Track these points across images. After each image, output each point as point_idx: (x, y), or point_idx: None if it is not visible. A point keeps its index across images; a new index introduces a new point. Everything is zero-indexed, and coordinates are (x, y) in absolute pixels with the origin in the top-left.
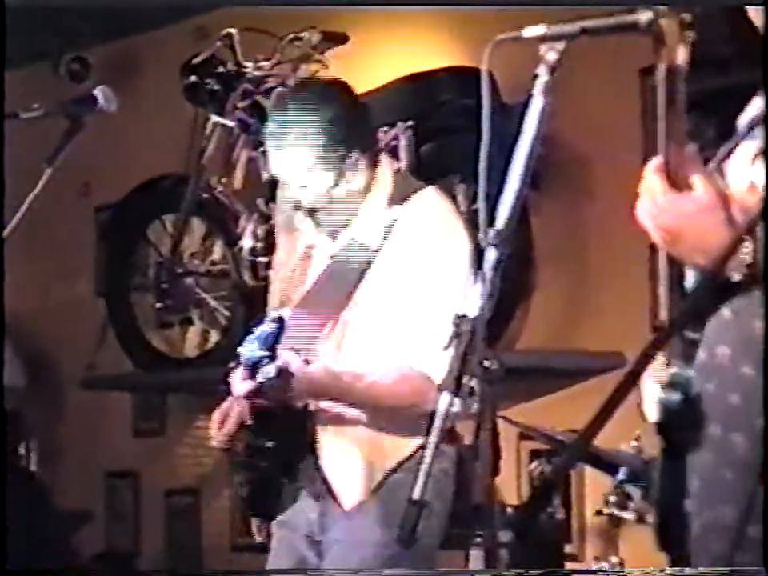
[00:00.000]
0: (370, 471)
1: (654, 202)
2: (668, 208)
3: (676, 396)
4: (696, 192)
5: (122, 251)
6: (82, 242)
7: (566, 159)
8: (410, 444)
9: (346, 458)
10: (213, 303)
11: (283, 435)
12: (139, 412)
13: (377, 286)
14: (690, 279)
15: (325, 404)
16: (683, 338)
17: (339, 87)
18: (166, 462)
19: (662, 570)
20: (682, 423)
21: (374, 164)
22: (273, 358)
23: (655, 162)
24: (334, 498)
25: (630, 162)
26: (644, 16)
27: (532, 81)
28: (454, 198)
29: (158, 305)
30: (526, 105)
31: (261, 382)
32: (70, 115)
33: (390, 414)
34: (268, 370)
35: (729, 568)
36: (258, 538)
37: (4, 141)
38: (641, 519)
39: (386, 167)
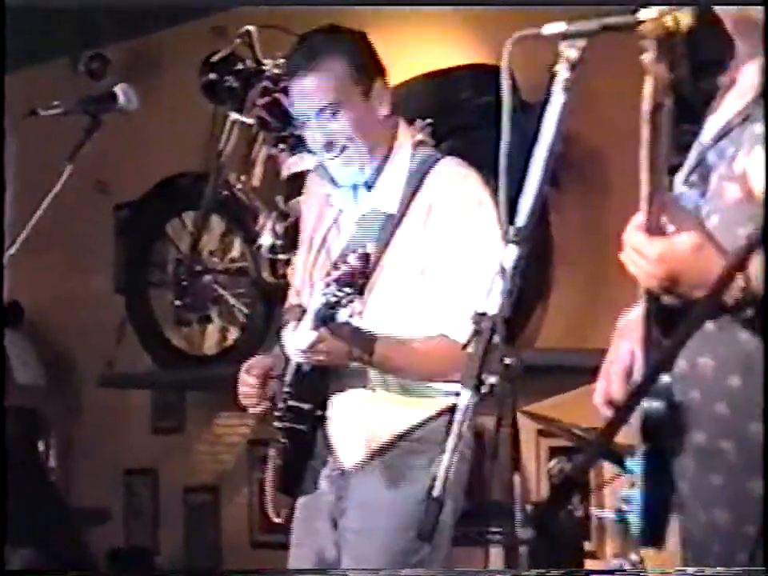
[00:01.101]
0: (372, 432)
1: (645, 256)
2: (660, 256)
3: (658, 403)
4: (683, 236)
5: (141, 248)
6: (101, 240)
7: (585, 157)
8: (416, 413)
9: (349, 417)
10: (231, 300)
11: (317, 397)
12: (158, 409)
13: (402, 255)
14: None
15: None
16: (661, 345)
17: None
18: (185, 460)
19: (678, 570)
20: (664, 429)
21: (393, 128)
22: (360, 293)
23: (636, 221)
24: (338, 462)
25: None
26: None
27: (552, 78)
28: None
29: (177, 302)
30: (545, 102)
31: (340, 328)
32: (89, 113)
33: (420, 380)
34: (353, 308)
35: (728, 568)
36: (277, 519)
37: (4, 139)
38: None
39: (405, 135)
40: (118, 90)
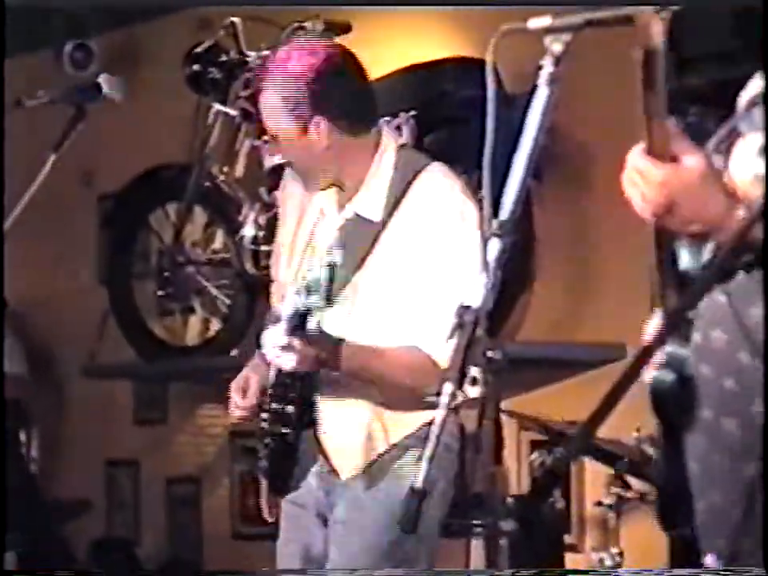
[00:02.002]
0: (369, 445)
1: (645, 179)
2: (660, 181)
3: (671, 376)
4: (686, 163)
5: (125, 239)
6: (84, 230)
7: (568, 150)
8: (410, 421)
9: (346, 430)
10: (214, 292)
11: (300, 401)
12: (140, 400)
13: (385, 263)
14: (685, 261)
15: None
16: (683, 317)
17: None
18: (167, 451)
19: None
20: (676, 403)
21: (377, 136)
22: (329, 302)
23: (637, 147)
24: (332, 468)
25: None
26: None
27: (537, 72)
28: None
29: (160, 293)
30: (530, 96)
31: (308, 335)
32: (74, 103)
33: (396, 391)
34: (322, 316)
35: (728, 568)
36: (269, 519)
37: (4, 135)
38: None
39: (389, 139)
40: (103, 80)
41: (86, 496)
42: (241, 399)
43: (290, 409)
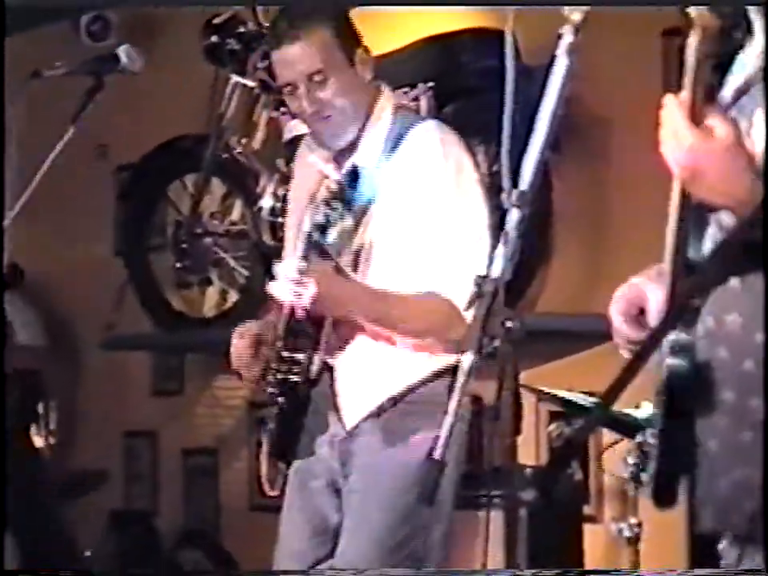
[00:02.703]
0: (375, 394)
1: (676, 138)
2: (690, 146)
3: (682, 361)
4: (718, 132)
5: (142, 211)
6: (101, 202)
7: (587, 122)
8: (417, 372)
9: (354, 379)
10: (232, 263)
11: (310, 350)
12: (158, 372)
13: (386, 215)
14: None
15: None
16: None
17: None
18: (184, 422)
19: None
20: (689, 388)
21: (376, 92)
22: (350, 208)
23: (679, 96)
24: (340, 418)
25: (651, 124)
26: None
27: (556, 41)
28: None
29: (177, 265)
30: (549, 66)
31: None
32: (92, 73)
33: (414, 337)
34: (343, 226)
35: (729, 569)
36: (272, 492)
37: (4, 131)
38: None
39: (387, 99)
40: (121, 51)
41: (104, 467)
42: (251, 355)
43: (302, 356)
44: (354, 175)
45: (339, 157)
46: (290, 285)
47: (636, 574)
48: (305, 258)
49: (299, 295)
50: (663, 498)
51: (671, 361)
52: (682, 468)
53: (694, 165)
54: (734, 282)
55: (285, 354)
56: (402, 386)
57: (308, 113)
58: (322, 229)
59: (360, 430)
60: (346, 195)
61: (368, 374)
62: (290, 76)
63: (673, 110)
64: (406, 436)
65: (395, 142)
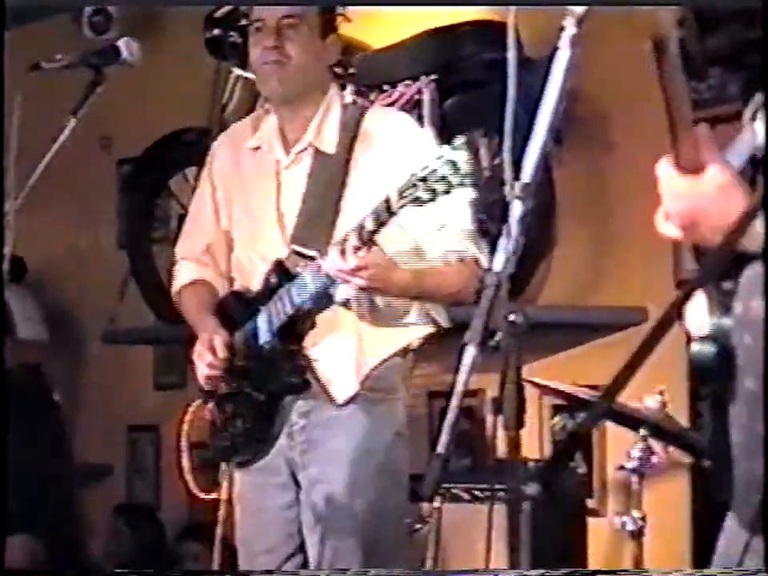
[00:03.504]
0: (361, 364)
1: (669, 190)
2: (684, 192)
3: (712, 347)
4: (710, 173)
5: (144, 204)
6: (104, 195)
7: (589, 114)
8: (397, 339)
9: (338, 352)
10: None
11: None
12: (160, 365)
13: (361, 202)
14: None
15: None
16: (719, 288)
17: None
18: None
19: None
20: (717, 374)
21: (329, 81)
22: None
23: (664, 160)
24: (326, 392)
25: (653, 116)
26: None
27: (559, 33)
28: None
29: None
30: (551, 58)
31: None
32: (93, 66)
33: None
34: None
35: (729, 569)
36: (207, 496)
37: (4, 94)
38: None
39: (335, 91)
40: (122, 43)
41: (107, 461)
42: (212, 357)
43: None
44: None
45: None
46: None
47: (643, 573)
48: (356, 250)
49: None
50: (721, 488)
51: (698, 346)
52: (729, 456)
53: (688, 211)
54: (758, 265)
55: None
56: (391, 349)
57: (267, 49)
58: (373, 230)
59: (322, 419)
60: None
61: (347, 355)
62: (265, 13)
63: (664, 164)
64: (366, 421)
65: (352, 126)
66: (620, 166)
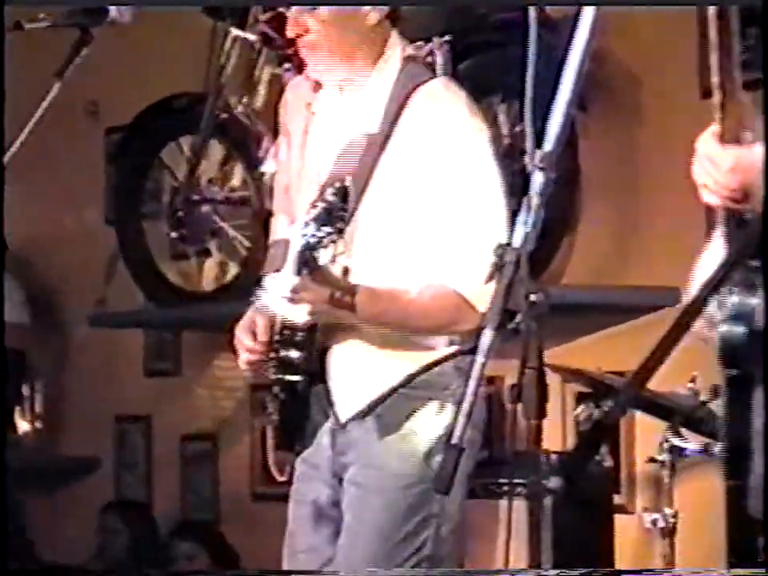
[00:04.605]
0: (372, 381)
1: (716, 166)
2: (734, 166)
3: (739, 327)
4: (756, 145)
5: (134, 176)
6: (90, 166)
7: (616, 78)
8: (419, 359)
9: (349, 369)
10: (232, 233)
11: (307, 347)
12: (152, 351)
13: (389, 188)
14: None
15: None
16: (746, 266)
17: None
18: (181, 405)
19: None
20: (744, 355)
21: (383, 38)
22: (340, 232)
23: (707, 133)
24: (334, 411)
25: (685, 80)
26: None
27: None
28: (494, 119)
29: (173, 234)
30: (574, 18)
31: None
32: (78, 26)
33: (422, 335)
34: (335, 248)
35: (728, 570)
36: (279, 478)
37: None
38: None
39: (395, 47)
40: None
41: (94, 454)
42: (251, 341)
43: (298, 355)
44: (343, 192)
45: (338, 99)
46: (283, 301)
47: (669, 573)
48: (298, 273)
49: (292, 314)
50: (734, 471)
51: (727, 327)
52: (749, 439)
53: (741, 184)
54: None
55: (282, 353)
56: (402, 375)
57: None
58: (313, 249)
59: (353, 424)
60: (334, 220)
61: (363, 366)
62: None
63: (705, 140)
64: (404, 424)
65: (400, 101)
66: (650, 134)
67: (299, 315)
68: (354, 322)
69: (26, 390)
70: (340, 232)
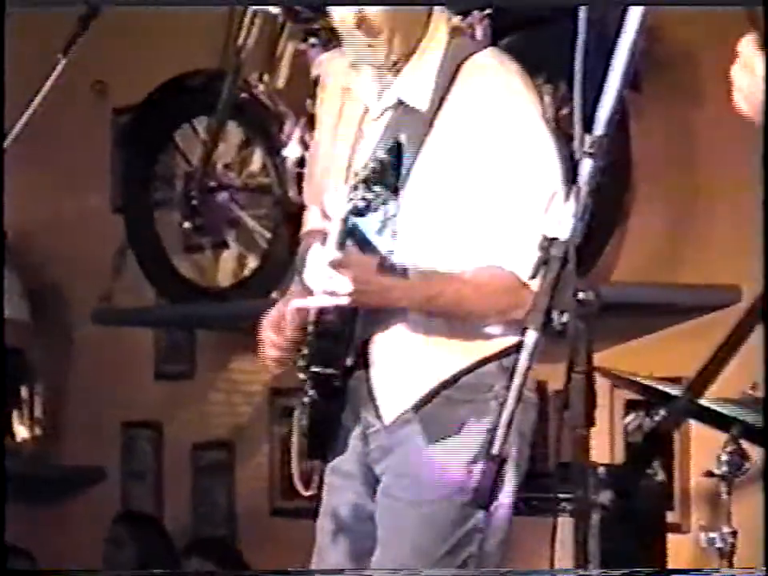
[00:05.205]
0: (417, 383)
1: (751, 71)
2: (763, 75)
3: None
4: None
5: (145, 160)
6: (96, 149)
7: (673, 56)
8: (467, 355)
9: (394, 364)
10: (251, 223)
11: (346, 335)
12: (163, 351)
13: (436, 166)
14: None
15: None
16: None
17: None
18: (195, 411)
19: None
20: None
21: (428, 12)
22: (395, 191)
23: (749, 37)
24: (376, 410)
25: None
26: None
27: None
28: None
29: (186, 224)
30: None
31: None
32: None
33: (474, 323)
34: (386, 211)
35: (728, 569)
36: (306, 492)
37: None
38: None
39: (440, 18)
40: None
41: (98, 464)
42: (276, 336)
43: (335, 345)
44: (397, 148)
45: (380, 80)
46: (324, 280)
47: (717, 572)
48: (341, 246)
49: (333, 292)
50: None
51: None
52: None
53: None
54: None
55: (317, 342)
56: (449, 373)
57: (348, 23)
58: (361, 214)
59: (399, 424)
60: (387, 177)
61: (410, 360)
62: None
63: (746, 44)
64: (451, 428)
65: (448, 74)
66: (709, 119)
67: (340, 296)
68: (402, 306)
69: (24, 393)
70: (395, 191)
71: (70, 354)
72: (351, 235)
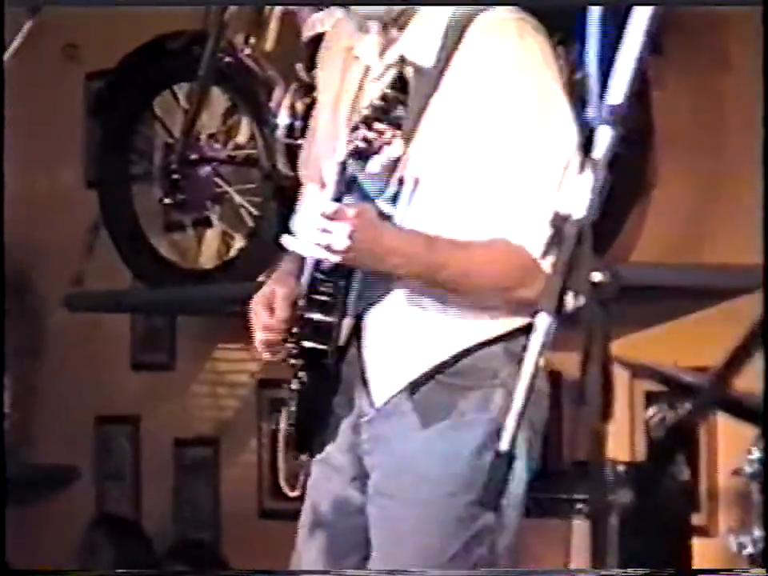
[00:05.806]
0: (412, 364)
1: None
2: None
3: None
4: None
5: (121, 130)
6: (68, 118)
7: (698, 19)
8: (467, 337)
9: (388, 345)
10: (237, 199)
11: (339, 304)
12: (140, 339)
13: (442, 129)
14: None
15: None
16: None
17: None
18: (176, 404)
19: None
20: None
21: None
22: (399, 127)
23: None
24: (368, 392)
25: None
26: None
27: None
28: None
29: (167, 200)
30: None
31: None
32: None
33: (477, 296)
34: (390, 152)
35: (731, 569)
36: (292, 493)
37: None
38: None
39: None
40: None
41: (71, 462)
42: (267, 317)
43: (330, 319)
44: (402, 83)
45: (384, 38)
46: (317, 232)
47: (746, 572)
48: (338, 196)
49: (328, 247)
50: None
51: None
52: None
53: None
54: None
55: (310, 315)
56: (447, 354)
57: None
58: (361, 157)
59: (391, 408)
60: (392, 113)
61: (405, 338)
62: None
63: None
64: (449, 416)
65: (456, 32)
66: (737, 86)
67: (334, 252)
68: (401, 273)
69: None
70: (398, 127)
71: (40, 343)
72: (349, 188)
